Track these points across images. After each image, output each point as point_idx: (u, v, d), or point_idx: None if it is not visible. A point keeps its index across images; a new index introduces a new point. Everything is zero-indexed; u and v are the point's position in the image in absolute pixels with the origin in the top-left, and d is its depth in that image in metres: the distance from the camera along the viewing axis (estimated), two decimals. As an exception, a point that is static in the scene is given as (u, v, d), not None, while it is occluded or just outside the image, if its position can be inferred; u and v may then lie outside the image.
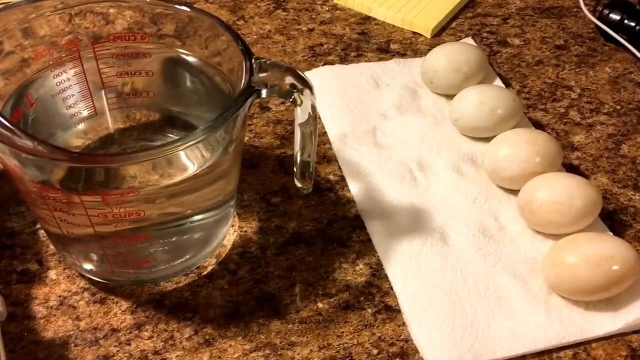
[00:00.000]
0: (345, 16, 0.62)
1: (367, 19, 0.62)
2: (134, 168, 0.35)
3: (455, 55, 0.51)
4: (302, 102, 0.36)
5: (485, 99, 0.47)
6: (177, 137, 0.35)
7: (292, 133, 0.50)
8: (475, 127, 0.48)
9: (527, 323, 0.39)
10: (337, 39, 0.59)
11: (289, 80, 0.36)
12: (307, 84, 0.36)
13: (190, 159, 0.37)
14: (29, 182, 0.34)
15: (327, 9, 0.62)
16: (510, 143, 0.45)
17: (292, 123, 0.51)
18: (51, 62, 0.40)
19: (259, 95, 0.35)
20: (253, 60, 0.36)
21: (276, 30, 0.60)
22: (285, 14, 0.61)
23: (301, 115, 0.37)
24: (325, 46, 0.58)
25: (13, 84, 0.39)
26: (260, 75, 0.36)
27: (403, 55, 0.58)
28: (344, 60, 0.57)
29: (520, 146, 0.45)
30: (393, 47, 0.59)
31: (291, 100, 0.36)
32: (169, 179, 0.36)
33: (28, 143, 0.31)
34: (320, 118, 0.51)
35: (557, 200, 0.41)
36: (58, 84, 0.40)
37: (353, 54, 0.58)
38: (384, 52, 0.58)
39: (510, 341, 0.38)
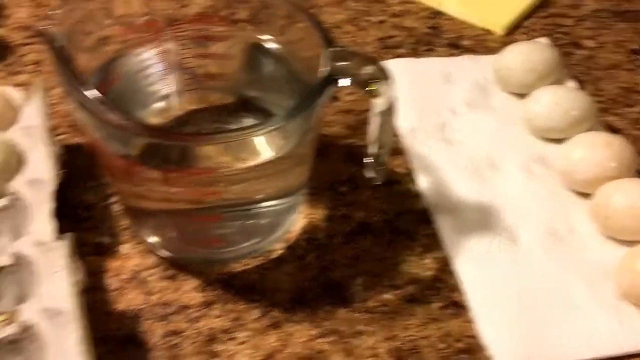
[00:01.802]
0: (415, 9, 0.61)
1: (438, 13, 0.61)
2: (210, 149, 0.36)
3: (530, 54, 0.50)
4: (381, 93, 0.36)
5: (560, 100, 0.47)
6: (252, 121, 0.35)
7: (362, 123, 0.50)
8: (548, 127, 0.47)
9: (597, 328, 0.38)
10: (407, 32, 0.59)
11: (369, 69, 0.36)
12: (387, 75, 0.36)
13: (268, 145, 0.37)
14: (111, 155, 0.35)
15: (398, 1, 0.62)
16: (585, 145, 0.44)
17: (361, 113, 0.51)
18: (132, 42, 0.40)
19: (338, 84, 0.35)
20: (333, 48, 0.36)
21: (347, 20, 0.59)
22: (355, 4, 0.61)
23: (378, 105, 0.37)
24: (396, 39, 0.58)
25: (96, 61, 0.40)
26: (340, 63, 0.35)
27: (473, 51, 0.57)
28: (414, 53, 0.56)
29: (596, 149, 0.44)
30: (464, 43, 0.58)
31: (369, 90, 0.36)
32: (244, 162, 0.36)
33: (116, 117, 0.32)
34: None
35: (632, 206, 0.41)
36: (138, 62, 0.41)
37: (423, 48, 0.57)
38: (454, 47, 0.58)
39: (580, 345, 0.37)
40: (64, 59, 0.31)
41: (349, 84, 0.35)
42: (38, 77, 0.52)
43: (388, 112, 0.37)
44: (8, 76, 0.52)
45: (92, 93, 0.32)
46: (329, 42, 0.36)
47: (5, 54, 0.54)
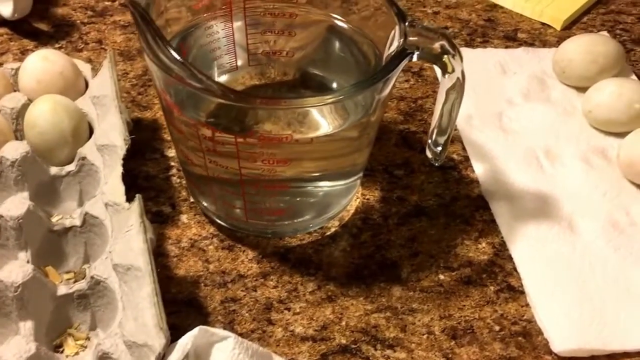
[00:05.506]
0: (471, 2, 0.61)
1: (494, 6, 0.61)
2: (278, 120, 0.36)
3: (592, 46, 0.50)
4: (452, 68, 0.36)
5: (625, 91, 0.46)
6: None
7: (416, 110, 0.51)
8: (609, 119, 0.47)
9: (657, 318, 0.37)
10: (462, 23, 0.59)
11: (441, 43, 0.36)
12: (458, 50, 0.36)
13: (331, 119, 0.38)
14: (186, 119, 0.36)
15: (454, -7, 0.62)
16: (649, 138, 0.44)
17: (416, 100, 0.51)
18: (205, 15, 0.41)
19: (411, 58, 0.36)
20: (407, 23, 0.36)
21: (403, 10, 0.60)
22: (411, -5, 0.62)
23: (448, 81, 0.37)
24: (450, 30, 0.58)
25: (171, 35, 0.40)
26: (413, 38, 0.36)
27: (530, 44, 0.57)
28: (469, 45, 0.57)
29: (659, 142, 0.43)
30: (520, 36, 0.58)
31: (442, 64, 0.36)
32: (314, 132, 0.37)
33: (198, 81, 0.32)
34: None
35: (696, 199, 0.40)
36: (208, 35, 0.42)
37: (479, 40, 0.57)
38: (511, 40, 0.57)
39: (639, 335, 0.37)
40: (147, 20, 0.32)
41: (421, 58, 0.36)
42: (100, 54, 0.54)
43: (457, 87, 0.37)
44: (72, 52, 0.54)
45: (174, 54, 0.32)
46: (402, 17, 0.36)
47: (69, 32, 0.55)
